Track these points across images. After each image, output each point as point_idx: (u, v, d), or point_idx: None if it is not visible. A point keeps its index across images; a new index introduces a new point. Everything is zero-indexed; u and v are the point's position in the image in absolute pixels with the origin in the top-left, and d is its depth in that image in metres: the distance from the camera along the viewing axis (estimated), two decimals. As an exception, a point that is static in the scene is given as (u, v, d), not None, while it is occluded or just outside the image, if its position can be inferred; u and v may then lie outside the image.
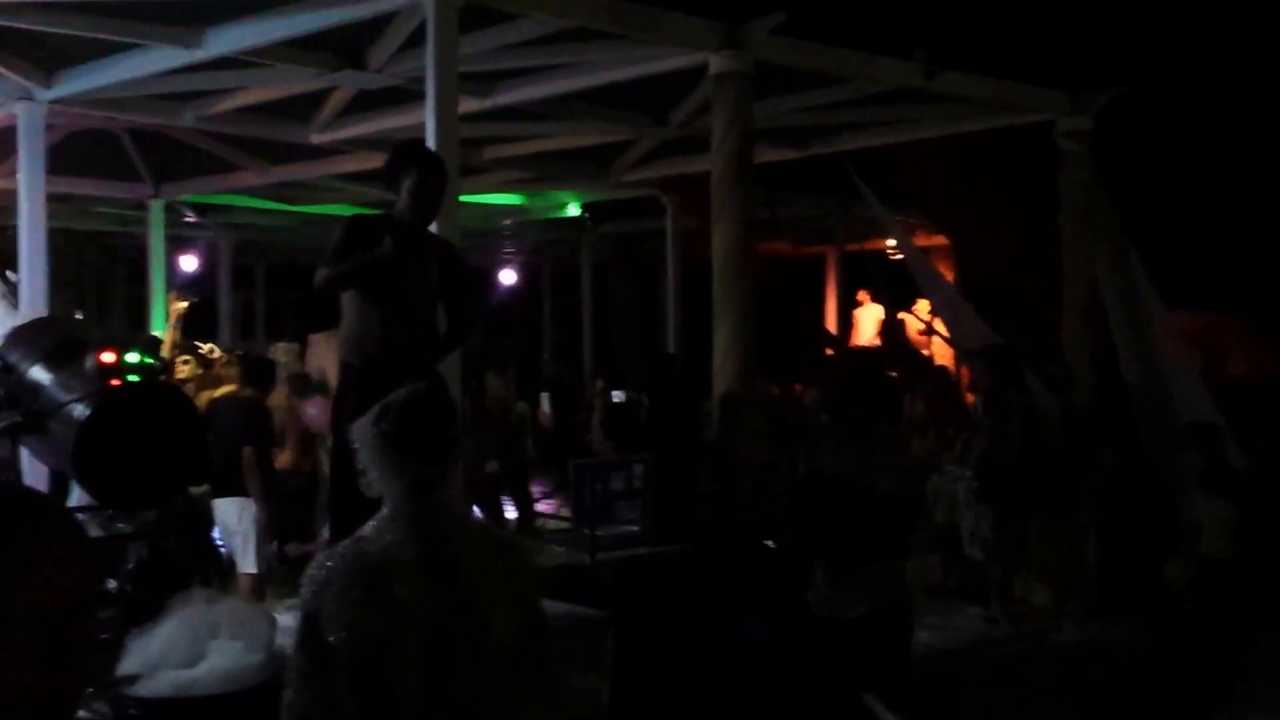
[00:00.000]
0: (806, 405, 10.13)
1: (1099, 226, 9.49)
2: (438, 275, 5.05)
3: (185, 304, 9.67)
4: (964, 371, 12.34)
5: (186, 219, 14.57)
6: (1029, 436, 8.32)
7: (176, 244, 14.65)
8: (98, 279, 15.98)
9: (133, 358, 4.94)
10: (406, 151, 5.14)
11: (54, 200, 9.35)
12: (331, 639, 2.55)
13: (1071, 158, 9.51)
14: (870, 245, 16.23)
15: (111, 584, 4.95)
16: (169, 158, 11.61)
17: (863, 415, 5.45)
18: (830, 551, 5.06)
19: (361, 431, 2.79)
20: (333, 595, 2.58)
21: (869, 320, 16.14)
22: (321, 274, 4.80)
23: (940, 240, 14.95)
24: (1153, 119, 10.61)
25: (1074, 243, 9.44)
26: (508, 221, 14.77)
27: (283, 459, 8.16)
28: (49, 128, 9.09)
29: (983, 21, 8.66)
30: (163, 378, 5.61)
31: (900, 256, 14.17)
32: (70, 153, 10.52)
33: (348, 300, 4.91)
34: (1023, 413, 8.37)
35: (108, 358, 4.91)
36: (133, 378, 4.90)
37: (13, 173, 9.25)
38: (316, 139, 10.13)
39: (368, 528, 2.75)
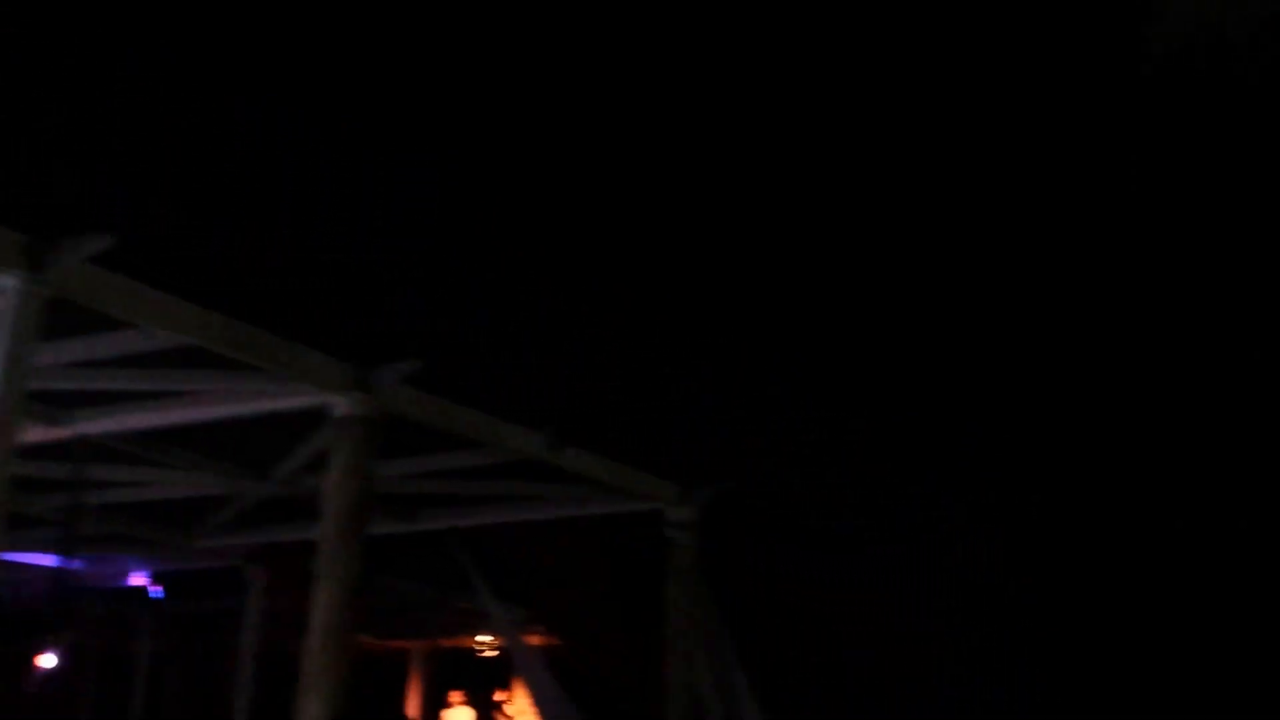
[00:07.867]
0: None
1: (703, 626, 9.50)
2: None
3: None
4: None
5: None
6: None
7: None
8: None
9: None
10: None
11: None
12: None
13: (677, 549, 9.64)
14: (462, 641, 15.35)
15: None
16: None
17: None
18: None
19: None
20: None
21: (460, 725, 15.14)
22: None
23: (539, 640, 14.24)
24: (763, 524, 10.65)
25: (677, 639, 9.35)
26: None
27: None
28: None
29: (609, 408, 8.63)
30: None
31: (491, 654, 13.67)
32: None
33: None
34: None
35: None
36: None
37: None
38: None
39: None
